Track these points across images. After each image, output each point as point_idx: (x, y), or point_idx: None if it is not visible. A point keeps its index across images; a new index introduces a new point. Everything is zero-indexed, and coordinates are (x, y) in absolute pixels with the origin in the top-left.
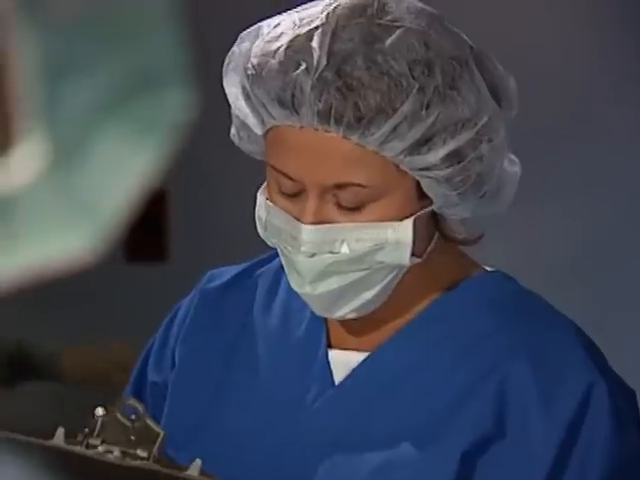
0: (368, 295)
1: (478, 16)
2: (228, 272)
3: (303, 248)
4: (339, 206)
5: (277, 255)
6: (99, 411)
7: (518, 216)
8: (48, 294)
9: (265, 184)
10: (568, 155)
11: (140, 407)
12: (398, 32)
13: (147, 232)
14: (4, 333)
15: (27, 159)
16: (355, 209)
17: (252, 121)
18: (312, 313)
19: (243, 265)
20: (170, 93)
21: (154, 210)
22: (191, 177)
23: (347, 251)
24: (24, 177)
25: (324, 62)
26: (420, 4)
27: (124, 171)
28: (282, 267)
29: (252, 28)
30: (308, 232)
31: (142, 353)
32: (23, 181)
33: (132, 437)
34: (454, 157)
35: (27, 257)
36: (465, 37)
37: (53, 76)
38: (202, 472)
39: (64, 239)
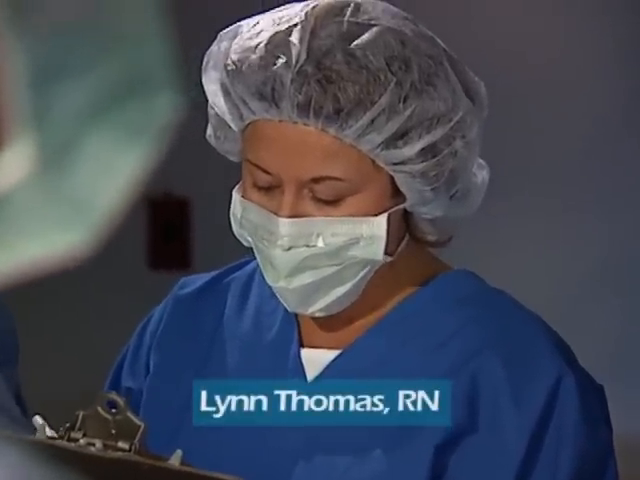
0: (341, 290)
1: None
2: (200, 279)
3: (280, 242)
4: (315, 200)
5: (248, 262)
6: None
7: (547, 226)
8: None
9: (240, 183)
10: (600, 161)
11: (121, 401)
12: (375, 30)
13: (169, 240)
14: None
15: (17, 161)
16: (331, 203)
17: (230, 117)
18: (284, 315)
19: (215, 272)
20: (158, 96)
21: (176, 218)
22: (213, 185)
23: (322, 245)
24: (13, 178)
25: (304, 56)
26: (395, 8)
27: (113, 172)
28: (253, 273)
29: (231, 27)
30: (285, 225)
31: (116, 360)
32: (12, 182)
33: (113, 430)
34: (429, 152)
35: (16, 255)
36: (439, 41)
37: (43, 81)
38: (183, 462)
39: (53, 238)
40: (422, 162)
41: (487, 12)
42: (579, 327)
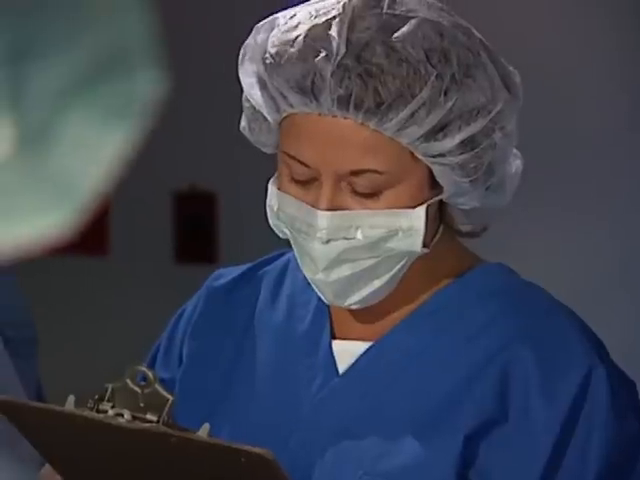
0: (378, 283)
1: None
2: (234, 271)
3: (319, 234)
4: (354, 193)
5: (281, 255)
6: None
7: (560, 223)
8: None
9: (276, 175)
10: (611, 161)
11: (150, 374)
12: (413, 22)
13: (196, 233)
14: None
15: None
16: (369, 196)
17: (266, 110)
18: (316, 307)
19: (248, 264)
20: (139, 75)
21: (204, 212)
22: (240, 179)
23: (361, 237)
24: None
25: (343, 49)
26: None
27: (94, 153)
28: (286, 266)
29: (266, 20)
30: (324, 218)
31: (150, 352)
32: None
33: (141, 404)
34: (468, 144)
35: None
36: (475, 31)
37: (21, 60)
38: (210, 435)
39: (34, 220)
40: (461, 154)
41: (486, 11)
42: (593, 327)
